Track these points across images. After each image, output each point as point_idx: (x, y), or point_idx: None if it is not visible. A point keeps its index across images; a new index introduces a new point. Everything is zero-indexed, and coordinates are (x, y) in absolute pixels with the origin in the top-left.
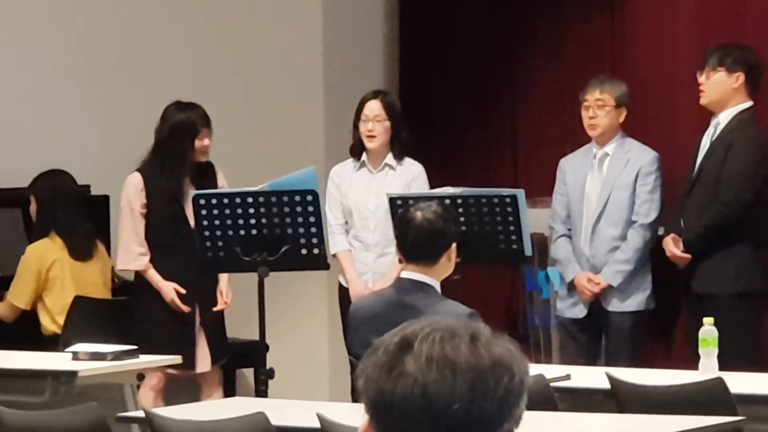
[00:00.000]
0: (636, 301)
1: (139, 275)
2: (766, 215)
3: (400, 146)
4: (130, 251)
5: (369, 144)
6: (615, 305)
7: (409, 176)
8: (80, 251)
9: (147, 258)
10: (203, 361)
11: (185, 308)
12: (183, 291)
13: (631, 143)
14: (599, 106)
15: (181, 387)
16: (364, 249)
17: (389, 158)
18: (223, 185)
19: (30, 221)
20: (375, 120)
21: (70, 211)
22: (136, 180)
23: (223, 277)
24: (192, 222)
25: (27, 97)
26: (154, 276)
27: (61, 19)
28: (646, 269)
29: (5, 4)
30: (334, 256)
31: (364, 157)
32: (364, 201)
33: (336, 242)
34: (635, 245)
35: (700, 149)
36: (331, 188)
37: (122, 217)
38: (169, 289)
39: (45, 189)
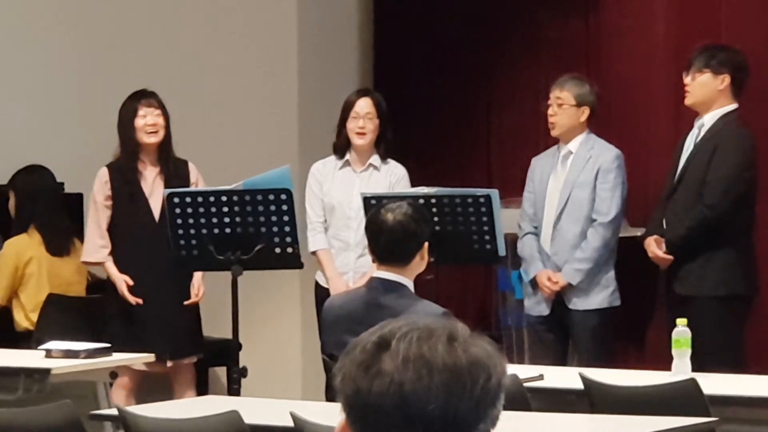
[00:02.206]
0: (598, 299)
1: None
2: (750, 218)
3: (386, 146)
4: (92, 244)
5: (359, 141)
6: (576, 303)
7: (393, 178)
8: (58, 247)
9: (107, 251)
10: (175, 356)
11: (134, 300)
12: (131, 282)
13: (594, 141)
14: (558, 104)
15: (153, 385)
16: (344, 248)
17: (374, 158)
18: (196, 181)
19: (3, 218)
20: (366, 117)
21: (50, 208)
22: (101, 173)
23: (196, 273)
24: (156, 215)
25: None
26: (111, 268)
27: (37, 18)
28: (609, 267)
29: None
30: (313, 253)
31: (348, 156)
32: (347, 200)
33: (316, 240)
34: (594, 244)
35: (684, 150)
36: (312, 184)
37: (89, 211)
38: (120, 281)
39: (25, 185)
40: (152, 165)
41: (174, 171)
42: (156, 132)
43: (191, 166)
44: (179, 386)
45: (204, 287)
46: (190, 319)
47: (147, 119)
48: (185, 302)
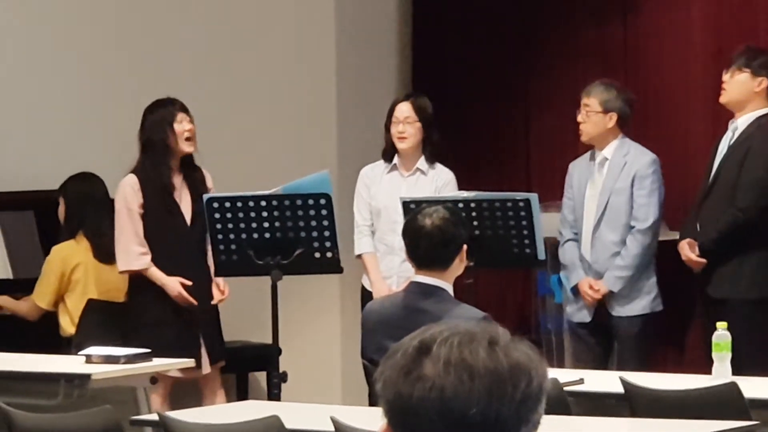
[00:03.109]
0: (640, 305)
1: (135, 278)
2: None
3: (432, 148)
4: (131, 252)
5: (400, 145)
6: (619, 310)
7: (440, 182)
8: (106, 254)
9: (149, 257)
10: (205, 363)
11: (193, 301)
12: (189, 283)
13: (629, 146)
14: (586, 111)
15: (184, 391)
16: (389, 252)
17: (421, 162)
18: (212, 187)
19: (44, 224)
20: (405, 122)
21: (99, 215)
22: (132, 181)
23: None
24: (188, 219)
25: (27, 101)
26: (156, 273)
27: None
28: (650, 272)
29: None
30: (358, 257)
31: (396, 160)
32: (393, 204)
33: (362, 243)
34: (634, 251)
35: (718, 153)
36: (360, 188)
37: (119, 219)
38: (175, 284)
39: (75, 191)
40: (177, 171)
41: (197, 177)
42: (192, 139)
43: (206, 173)
44: (210, 391)
45: (228, 286)
46: (217, 325)
47: (184, 125)
48: (213, 301)
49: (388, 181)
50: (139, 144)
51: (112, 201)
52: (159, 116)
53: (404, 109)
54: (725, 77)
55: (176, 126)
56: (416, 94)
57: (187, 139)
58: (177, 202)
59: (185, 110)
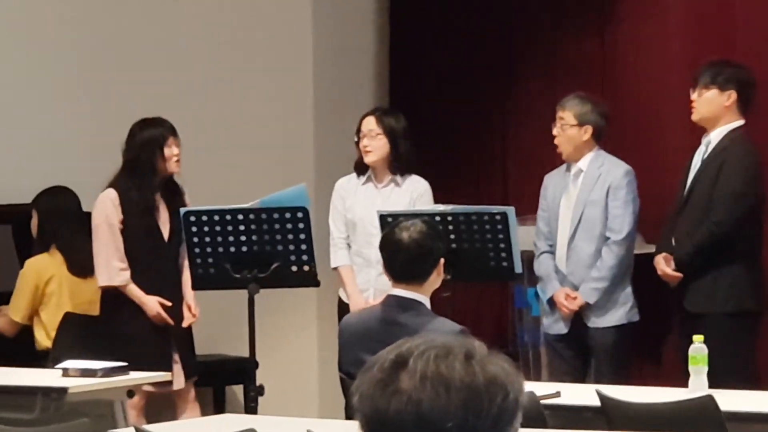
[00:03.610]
0: (616, 316)
1: (109, 292)
2: (757, 234)
3: (398, 162)
4: (112, 267)
5: (366, 159)
6: (596, 321)
7: (415, 193)
8: (80, 267)
9: (128, 273)
10: (179, 378)
11: (171, 321)
12: (168, 304)
13: (604, 158)
14: (561, 125)
15: (159, 405)
16: (366, 265)
17: (394, 175)
18: (189, 201)
19: (20, 238)
20: (370, 135)
21: (72, 229)
22: (112, 195)
23: (189, 291)
24: (166, 236)
25: (1, 115)
26: (135, 291)
27: (54, 40)
28: (626, 283)
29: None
30: (335, 269)
31: (370, 171)
32: (369, 217)
33: (338, 256)
34: (610, 262)
35: (692, 168)
36: (336, 201)
37: (99, 234)
38: (154, 303)
39: (47, 205)
40: (157, 188)
41: (176, 193)
42: (178, 162)
43: (183, 188)
44: (182, 404)
45: (199, 306)
46: (190, 340)
47: (173, 149)
48: (184, 324)
49: (363, 193)
50: (123, 159)
51: (85, 215)
52: (149, 136)
53: (369, 123)
54: (693, 96)
55: (166, 150)
56: (383, 108)
57: (176, 162)
58: (156, 221)
59: (175, 134)
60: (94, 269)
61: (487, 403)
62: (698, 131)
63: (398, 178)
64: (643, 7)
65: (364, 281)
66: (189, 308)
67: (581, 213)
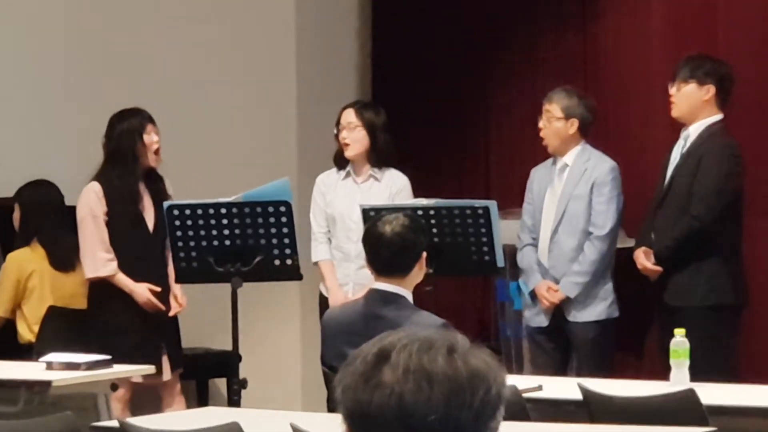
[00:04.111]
0: (596, 311)
1: (97, 285)
2: (737, 228)
3: (377, 155)
4: (98, 258)
5: (346, 153)
6: (576, 315)
7: (394, 188)
8: (62, 261)
9: (115, 263)
10: (167, 369)
11: (162, 306)
12: (158, 289)
13: (590, 153)
14: (547, 118)
15: (144, 397)
16: (345, 260)
17: (373, 168)
18: (173, 194)
19: (2, 231)
20: (348, 128)
21: (55, 222)
22: (96, 188)
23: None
24: (150, 227)
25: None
26: (124, 280)
27: (39, 36)
28: (606, 279)
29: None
30: (315, 264)
31: (349, 166)
32: (348, 211)
33: (318, 251)
34: (591, 257)
35: (670, 162)
36: (316, 196)
37: (84, 227)
38: (144, 290)
39: (29, 198)
40: (140, 180)
41: (159, 185)
42: (158, 152)
43: (166, 180)
44: (168, 397)
45: (186, 296)
46: (177, 332)
47: (152, 137)
48: (170, 313)
49: (342, 188)
50: (104, 152)
51: (68, 209)
52: (128, 126)
53: (348, 116)
54: (672, 90)
55: (146, 137)
56: (362, 102)
57: (155, 152)
58: (141, 212)
59: (153, 122)
60: (79, 263)
61: (469, 397)
62: (680, 126)
63: (377, 172)
64: (625, 2)
65: (344, 275)
66: (175, 297)
67: (565, 207)
